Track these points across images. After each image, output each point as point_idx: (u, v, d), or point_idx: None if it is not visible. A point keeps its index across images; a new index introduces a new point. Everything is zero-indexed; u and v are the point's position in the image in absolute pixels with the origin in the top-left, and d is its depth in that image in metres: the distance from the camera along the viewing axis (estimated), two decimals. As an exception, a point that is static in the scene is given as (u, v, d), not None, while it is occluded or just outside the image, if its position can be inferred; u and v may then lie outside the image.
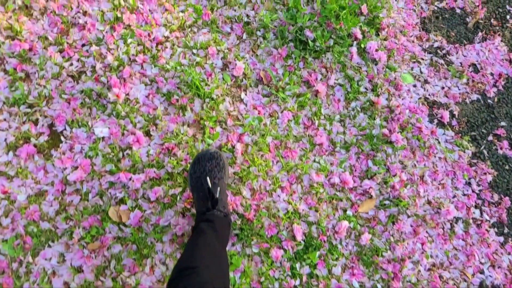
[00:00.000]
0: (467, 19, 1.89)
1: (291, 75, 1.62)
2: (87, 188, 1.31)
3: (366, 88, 1.68)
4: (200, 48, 1.57)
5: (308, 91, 1.62)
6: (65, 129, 1.35)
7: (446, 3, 1.91)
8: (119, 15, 1.51)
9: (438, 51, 1.81)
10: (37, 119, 1.34)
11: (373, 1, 1.79)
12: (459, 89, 1.75)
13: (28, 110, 1.34)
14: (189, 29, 1.59)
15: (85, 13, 1.49)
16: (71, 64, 1.42)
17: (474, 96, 1.74)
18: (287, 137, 1.53)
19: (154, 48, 1.52)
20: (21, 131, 1.31)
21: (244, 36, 1.64)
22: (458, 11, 1.90)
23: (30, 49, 1.40)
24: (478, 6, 1.90)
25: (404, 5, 1.88)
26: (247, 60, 1.61)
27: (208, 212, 1.16)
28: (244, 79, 1.58)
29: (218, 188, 1.24)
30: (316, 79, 1.64)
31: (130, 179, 1.33)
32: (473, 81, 1.76)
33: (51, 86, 1.38)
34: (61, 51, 1.43)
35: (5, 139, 1.29)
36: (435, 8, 1.90)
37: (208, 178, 1.23)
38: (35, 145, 1.31)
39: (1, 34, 1.39)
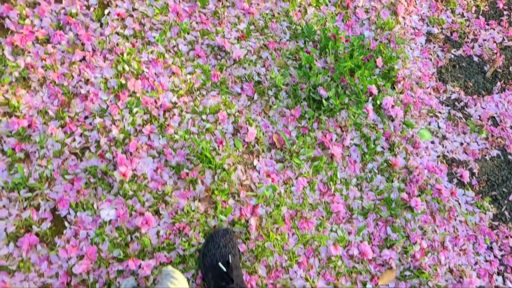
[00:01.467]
0: (485, 67, 1.82)
1: (305, 137, 1.54)
2: (94, 278, 1.23)
3: (383, 148, 1.61)
4: (209, 113, 1.48)
5: (323, 154, 1.54)
6: (69, 213, 1.27)
7: (463, 51, 1.83)
8: (123, 81, 1.42)
9: (456, 103, 1.74)
10: (38, 204, 1.25)
11: (388, 52, 1.72)
12: (478, 145, 1.68)
13: (29, 194, 1.25)
14: (198, 92, 1.51)
15: (87, 82, 1.40)
16: (74, 140, 1.33)
17: (494, 152, 1.67)
18: (303, 206, 1.45)
19: (162, 116, 1.43)
20: (21, 219, 1.22)
21: (255, 96, 1.56)
22: (475, 59, 1.83)
23: (29, 126, 1.31)
24: (496, 53, 1.83)
25: (419, 53, 1.80)
26: (258, 122, 1.52)
27: None
28: (256, 144, 1.50)
29: (235, 264, 1.22)
30: (331, 140, 1.56)
31: (139, 266, 1.25)
32: (492, 135, 1.69)
33: (53, 166, 1.29)
34: (62, 126, 1.33)
35: (5, 229, 1.20)
36: (452, 56, 1.82)
37: (227, 255, 1.23)
38: (37, 234, 1.23)
39: (-3, 111, 1.29)
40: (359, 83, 1.61)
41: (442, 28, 1.86)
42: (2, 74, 1.33)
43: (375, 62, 1.69)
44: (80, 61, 1.42)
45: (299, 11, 1.74)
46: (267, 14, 1.69)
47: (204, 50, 1.57)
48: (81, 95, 1.38)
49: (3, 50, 1.36)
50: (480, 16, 1.90)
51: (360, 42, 1.67)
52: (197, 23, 1.60)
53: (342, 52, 1.66)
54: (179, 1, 1.60)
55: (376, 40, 1.77)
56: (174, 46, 1.54)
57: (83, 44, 1.44)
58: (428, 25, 1.86)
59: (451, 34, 1.86)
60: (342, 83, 1.64)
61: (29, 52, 1.38)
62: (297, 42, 1.68)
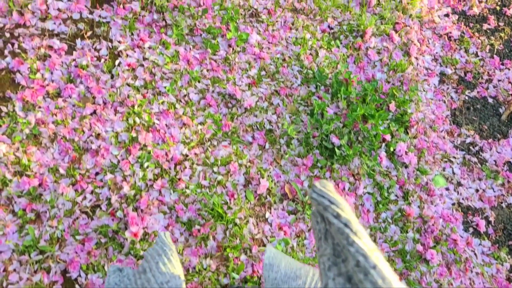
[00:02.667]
0: (500, 109, 1.78)
1: (318, 187, 1.51)
2: None
3: (396, 196, 1.58)
4: (221, 165, 1.46)
5: (336, 204, 1.51)
6: (79, 275, 1.25)
7: (478, 92, 1.80)
8: (134, 135, 1.41)
9: (471, 147, 1.70)
10: (49, 267, 1.24)
11: (401, 96, 1.69)
12: (494, 192, 1.64)
13: (40, 257, 1.23)
14: (209, 143, 1.49)
15: (98, 136, 1.39)
16: (85, 198, 1.31)
17: (511, 199, 1.64)
18: (316, 260, 1.42)
19: (173, 169, 1.41)
20: (32, 283, 1.21)
21: (267, 145, 1.54)
22: (490, 100, 1.79)
23: (40, 185, 1.29)
24: (511, 94, 1.80)
25: (433, 95, 1.77)
26: (270, 172, 1.50)
27: None
28: (268, 196, 1.47)
29: None
30: (344, 189, 1.54)
31: (151, 329, 1.22)
32: (508, 181, 1.66)
33: (64, 226, 1.27)
34: (73, 184, 1.32)
35: (16, 294, 1.19)
36: (466, 97, 1.79)
37: None
38: (48, 298, 1.21)
39: (8, 170, 1.28)
40: (372, 130, 1.59)
41: (455, 68, 1.83)
42: (13, 132, 1.32)
43: (388, 107, 1.66)
44: (91, 114, 1.41)
45: (310, 54, 1.72)
46: (278, 58, 1.67)
47: (215, 98, 1.55)
48: (92, 151, 1.37)
49: (14, 106, 1.35)
50: (495, 56, 1.87)
51: (373, 89, 1.64)
52: (207, 70, 1.58)
53: (355, 97, 1.63)
54: (190, 49, 1.59)
55: (389, 82, 1.74)
56: (185, 96, 1.52)
57: (94, 97, 1.43)
58: (441, 65, 1.83)
59: (465, 75, 1.83)
60: (354, 129, 1.61)
61: (40, 107, 1.37)
62: (308, 87, 1.66)
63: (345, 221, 0.56)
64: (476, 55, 1.87)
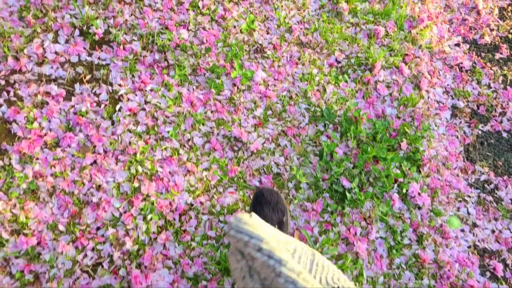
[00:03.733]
0: (515, 144, 1.72)
1: (328, 233, 1.45)
2: None
3: (410, 240, 1.51)
4: (227, 213, 1.40)
5: (348, 251, 1.45)
6: None
7: (491, 126, 1.74)
8: (136, 185, 1.35)
9: (486, 185, 1.64)
10: (49, 332, 1.17)
11: (412, 132, 1.63)
12: (511, 232, 1.58)
13: (39, 322, 1.17)
14: (214, 190, 1.42)
15: (98, 188, 1.33)
16: (85, 256, 1.25)
17: (529, 240, 1.57)
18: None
19: (177, 220, 1.35)
20: None
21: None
22: (504, 135, 1.73)
23: (39, 243, 1.23)
24: (525, 128, 1.74)
25: (445, 130, 1.71)
26: (279, 219, 1.44)
27: None
28: (277, 245, 1.41)
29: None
30: (355, 234, 1.47)
31: None
32: (526, 221, 1.59)
33: (64, 287, 1.21)
34: (73, 241, 1.26)
35: None
36: (479, 132, 1.73)
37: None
38: None
39: (4, 229, 1.22)
40: (383, 171, 1.53)
41: (468, 101, 1.77)
42: (10, 188, 1.26)
43: (400, 145, 1.60)
44: (91, 164, 1.35)
45: (318, 90, 1.66)
46: (284, 96, 1.61)
47: (220, 142, 1.49)
48: (93, 204, 1.30)
49: (10, 159, 1.29)
50: (508, 87, 1.81)
51: (384, 128, 1.58)
52: (212, 112, 1.52)
53: (365, 136, 1.57)
54: (193, 89, 1.53)
55: (399, 118, 1.68)
56: (188, 140, 1.46)
57: (94, 146, 1.37)
58: (453, 98, 1.77)
59: (478, 108, 1.76)
60: (365, 169, 1.55)
61: (37, 159, 1.31)
62: (316, 126, 1.60)
63: (267, 253, 0.55)
64: (489, 86, 1.81)
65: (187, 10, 1.64)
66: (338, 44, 1.76)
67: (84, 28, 1.50)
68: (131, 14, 1.58)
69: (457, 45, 1.88)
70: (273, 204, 1.28)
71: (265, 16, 1.74)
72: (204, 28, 1.63)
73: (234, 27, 1.68)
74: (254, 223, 0.63)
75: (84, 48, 1.48)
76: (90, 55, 1.49)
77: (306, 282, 0.51)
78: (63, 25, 1.48)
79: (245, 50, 1.65)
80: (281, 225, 1.25)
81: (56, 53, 1.45)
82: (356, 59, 1.75)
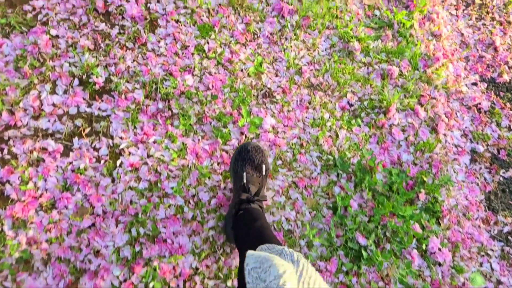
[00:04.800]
0: (539, 192, 1.62)
1: (344, 295, 1.35)
2: None
3: (431, 300, 1.41)
4: (235, 277, 1.30)
5: (364, 315, 1.35)
6: None
7: (513, 172, 1.64)
8: (138, 248, 1.25)
9: (509, 237, 1.54)
10: None
11: (430, 180, 1.53)
12: (539, 290, 1.47)
13: None
14: (221, 250, 1.33)
15: (97, 254, 1.23)
16: (83, 331, 1.15)
17: (558, 299, 1.46)
18: None
19: (181, 287, 1.25)
20: None
21: (286, 248, 1.38)
22: (527, 182, 1.63)
23: (32, 320, 1.14)
24: (550, 175, 1.64)
25: (465, 177, 1.61)
26: (290, 281, 1.34)
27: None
28: (289, 310, 1.31)
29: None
30: (373, 295, 1.37)
31: None
32: (554, 277, 1.49)
33: None
34: (69, 316, 1.16)
35: None
36: (501, 178, 1.63)
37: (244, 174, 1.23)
38: None
39: (-5, 304, 1.13)
40: (401, 226, 1.43)
41: (487, 145, 1.68)
42: (1, 258, 1.17)
43: (418, 196, 1.51)
44: (89, 227, 1.26)
45: (330, 136, 1.57)
46: (294, 144, 1.52)
47: (227, 196, 1.40)
48: (90, 272, 1.21)
49: (2, 225, 1.20)
50: (530, 130, 1.71)
51: (401, 181, 1.49)
52: (218, 164, 1.43)
53: (381, 188, 1.48)
54: (198, 140, 1.44)
55: (416, 165, 1.59)
56: (193, 196, 1.37)
57: (92, 207, 1.28)
58: (471, 142, 1.68)
59: (498, 152, 1.67)
60: (382, 222, 1.45)
61: (31, 223, 1.22)
62: (329, 176, 1.51)
63: None
64: (509, 129, 1.72)
65: (192, 54, 1.56)
66: (350, 85, 1.68)
67: (84, 77, 1.43)
68: (134, 60, 1.50)
69: (475, 84, 1.79)
70: (258, 163, 1.27)
71: (273, 57, 1.66)
72: (210, 73, 1.55)
73: (242, 70, 1.59)
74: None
75: (84, 99, 1.40)
76: (89, 106, 1.40)
77: None
78: (62, 75, 1.40)
79: (253, 95, 1.57)
80: (260, 186, 1.25)
81: (53, 105, 1.37)
82: (369, 101, 1.66)
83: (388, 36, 1.79)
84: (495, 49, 1.85)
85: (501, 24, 1.90)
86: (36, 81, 1.38)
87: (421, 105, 1.70)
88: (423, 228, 1.49)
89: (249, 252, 0.89)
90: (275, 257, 0.82)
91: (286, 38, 1.70)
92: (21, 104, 1.34)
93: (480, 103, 1.74)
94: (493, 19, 1.92)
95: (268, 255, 0.83)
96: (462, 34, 1.87)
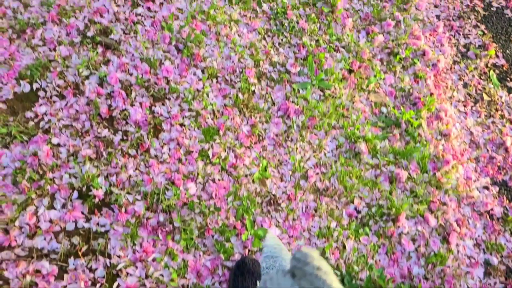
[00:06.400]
0: (558, 311, 1.53)
1: None
2: None
3: None
4: None
5: None
6: None
7: (529, 288, 1.56)
8: None
9: None
10: None
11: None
12: None
13: None
14: None
15: None
16: None
17: None
18: None
19: None
20: None
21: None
22: (545, 299, 1.55)
23: None
24: None
25: (478, 293, 1.53)
26: None
27: None
28: None
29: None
30: None
31: None
32: None
33: None
34: None
35: None
36: (516, 294, 1.55)
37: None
38: None
39: None
40: None
41: (501, 257, 1.61)
42: None
43: (430, 318, 1.42)
44: None
45: (337, 247, 1.51)
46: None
47: (228, 321, 1.32)
48: None
49: None
50: (545, 239, 1.64)
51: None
52: (220, 283, 1.36)
53: (391, 310, 1.40)
54: (200, 255, 1.38)
55: (427, 279, 1.51)
56: (193, 321, 1.29)
57: None
58: (485, 252, 1.61)
59: (513, 264, 1.59)
60: None
61: None
62: (336, 293, 1.43)
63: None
64: (524, 237, 1.65)
65: (196, 160, 1.53)
66: (358, 190, 1.63)
67: (84, 189, 1.38)
68: (136, 169, 1.46)
69: (486, 188, 1.74)
70: (257, 275, 1.23)
71: (278, 160, 1.63)
72: (213, 180, 1.51)
73: (246, 176, 1.55)
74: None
75: (82, 213, 1.35)
76: (88, 220, 1.35)
77: None
78: (61, 187, 1.36)
79: (258, 203, 1.52)
80: None
81: (50, 221, 1.32)
82: (378, 208, 1.60)
83: (396, 136, 1.76)
84: (506, 150, 1.81)
85: (511, 122, 1.88)
86: (34, 195, 1.33)
87: (431, 212, 1.64)
88: None
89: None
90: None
91: (291, 140, 1.67)
92: (16, 222, 1.29)
93: (492, 209, 1.68)
94: (502, 116, 1.90)
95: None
96: (471, 133, 1.84)
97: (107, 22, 1.66)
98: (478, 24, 2.16)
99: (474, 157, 1.80)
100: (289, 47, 1.88)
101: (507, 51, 2.11)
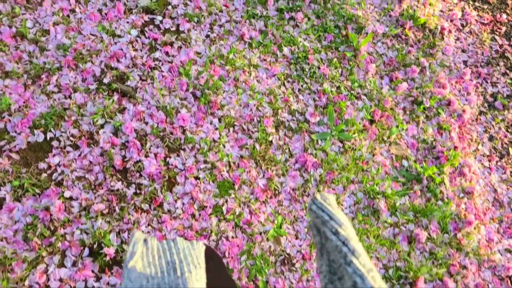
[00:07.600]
0: None
1: None
2: None
3: None
4: None
5: None
6: None
7: None
8: None
9: None
10: None
11: None
12: None
13: None
14: None
15: None
16: None
17: None
18: None
19: None
20: None
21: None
22: None
23: None
24: None
25: None
26: None
27: None
28: None
29: None
30: None
31: None
32: None
33: None
34: None
35: None
36: None
37: None
38: None
39: None
40: None
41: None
42: None
43: None
44: None
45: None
46: (313, 324, 1.41)
47: None
48: None
49: None
50: None
51: None
52: None
53: None
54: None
55: None
56: None
57: None
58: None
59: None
60: None
61: None
62: None
63: (343, 239, 0.55)
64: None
65: (210, 216, 1.49)
66: (375, 250, 1.57)
67: (95, 246, 1.36)
68: (148, 224, 1.43)
69: (508, 251, 1.67)
70: None
71: (294, 217, 1.58)
72: (227, 238, 1.47)
73: (260, 233, 1.51)
74: (336, 206, 0.63)
75: (93, 271, 1.33)
76: (98, 279, 1.32)
77: (374, 281, 0.50)
78: (72, 244, 1.33)
79: (271, 263, 1.48)
80: None
81: (60, 280, 1.29)
82: (395, 270, 1.55)
83: (417, 193, 1.70)
84: (531, 210, 1.74)
85: (537, 180, 1.80)
86: (44, 253, 1.31)
87: (451, 275, 1.58)
88: None
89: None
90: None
91: (308, 195, 1.63)
92: (26, 282, 1.26)
93: (514, 274, 1.62)
94: (528, 173, 1.83)
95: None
96: (495, 190, 1.77)
97: (123, 67, 1.64)
98: (507, 71, 2.08)
99: (497, 216, 1.73)
100: (309, 94, 1.83)
101: (535, 99, 2.03)
